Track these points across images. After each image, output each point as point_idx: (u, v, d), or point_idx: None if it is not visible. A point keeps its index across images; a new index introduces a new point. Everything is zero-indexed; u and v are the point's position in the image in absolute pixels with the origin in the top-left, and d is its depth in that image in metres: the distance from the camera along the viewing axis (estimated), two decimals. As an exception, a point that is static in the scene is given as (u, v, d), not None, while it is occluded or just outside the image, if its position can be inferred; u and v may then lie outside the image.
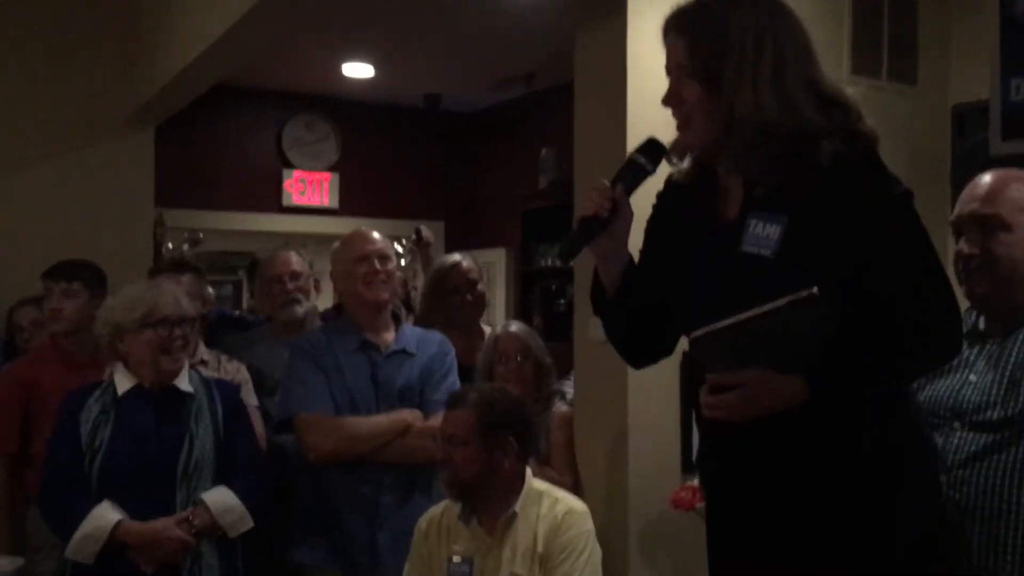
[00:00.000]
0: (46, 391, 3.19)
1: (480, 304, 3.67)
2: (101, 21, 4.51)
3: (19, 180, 4.34)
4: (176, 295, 2.68)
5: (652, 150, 1.66)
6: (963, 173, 2.74)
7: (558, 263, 5.85)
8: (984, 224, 1.77)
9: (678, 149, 1.67)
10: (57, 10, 4.44)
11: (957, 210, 1.83)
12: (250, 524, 2.56)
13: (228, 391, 2.76)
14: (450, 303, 3.59)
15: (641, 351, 1.82)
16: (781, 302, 1.37)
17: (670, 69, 1.61)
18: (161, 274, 3.31)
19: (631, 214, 1.66)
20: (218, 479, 2.57)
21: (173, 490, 2.50)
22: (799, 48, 1.55)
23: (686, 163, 1.68)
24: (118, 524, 2.44)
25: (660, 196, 1.77)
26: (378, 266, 2.82)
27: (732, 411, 1.47)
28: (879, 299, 1.46)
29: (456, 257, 3.73)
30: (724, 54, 1.52)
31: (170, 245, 4.72)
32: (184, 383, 2.63)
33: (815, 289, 1.36)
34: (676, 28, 1.59)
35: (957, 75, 3.30)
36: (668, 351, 1.81)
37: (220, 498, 2.52)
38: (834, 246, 1.47)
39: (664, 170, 1.74)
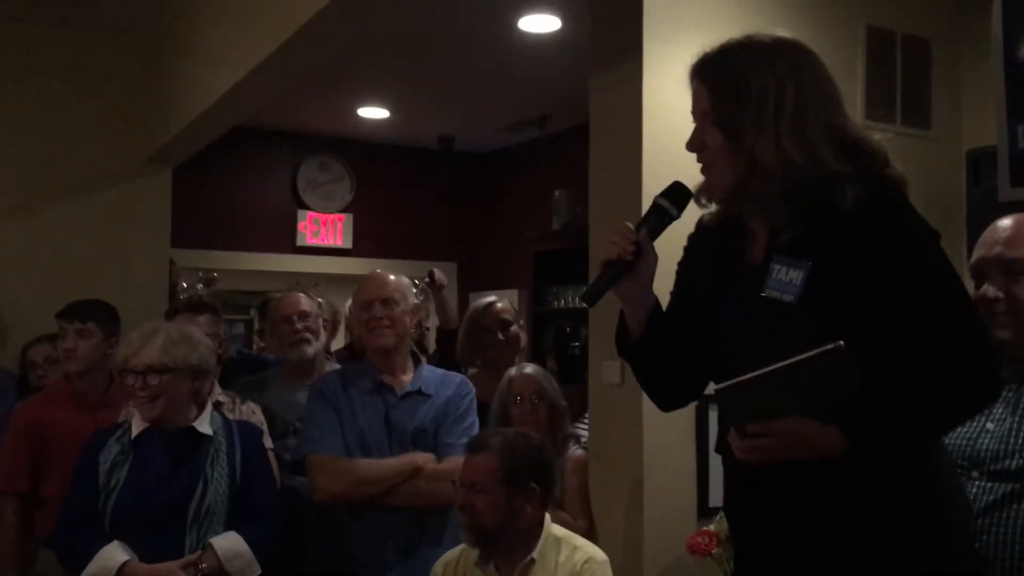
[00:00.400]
0: (58, 431, 3.19)
1: (513, 345, 3.68)
2: (121, 64, 4.58)
3: (37, 219, 4.38)
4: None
5: (677, 194, 1.67)
6: (979, 218, 2.74)
7: (571, 305, 5.86)
8: (1009, 268, 1.76)
9: (704, 192, 1.67)
10: (78, 53, 4.50)
11: (979, 253, 1.82)
12: (257, 572, 2.52)
13: (249, 435, 2.72)
14: (483, 343, 3.64)
15: (670, 394, 1.81)
16: (809, 354, 1.37)
17: (695, 115, 1.62)
18: (178, 314, 3.31)
19: (655, 258, 1.65)
20: (230, 524, 2.53)
21: (184, 534, 2.48)
22: (823, 96, 1.55)
23: (714, 206, 1.69)
24: (124, 565, 2.42)
25: (691, 238, 1.77)
26: (379, 312, 2.82)
27: (766, 456, 1.46)
28: (911, 345, 1.44)
29: (491, 298, 3.79)
30: (745, 105, 1.53)
31: (184, 284, 4.73)
32: (204, 425, 2.61)
33: (841, 342, 1.35)
34: (700, 76, 1.61)
35: (971, 120, 3.30)
36: (698, 394, 1.80)
37: (229, 544, 2.49)
38: (858, 292, 1.46)
39: (694, 211, 1.73)
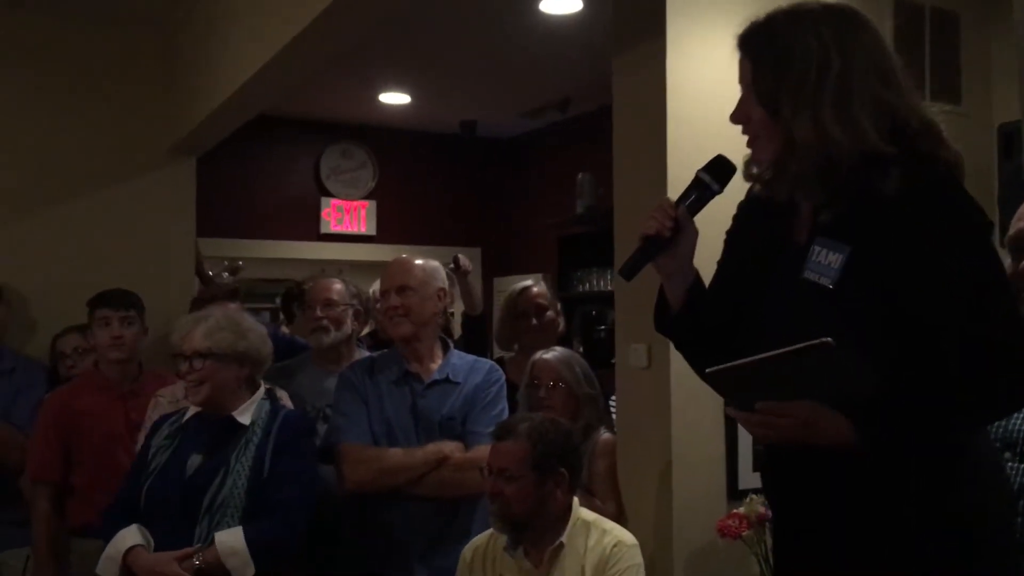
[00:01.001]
0: (87, 420, 3.22)
1: (548, 329, 3.69)
2: (143, 54, 4.58)
3: (62, 210, 4.39)
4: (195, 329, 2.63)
5: (720, 169, 1.63)
6: (1011, 192, 2.70)
7: (596, 288, 5.83)
8: None
9: (751, 166, 1.64)
10: (100, 43, 4.51)
11: (1018, 227, 1.79)
12: (251, 572, 2.40)
13: (291, 427, 2.64)
14: (519, 328, 3.65)
15: (714, 363, 1.77)
16: (794, 347, 1.34)
17: (741, 86, 1.59)
18: (208, 303, 3.32)
19: (696, 233, 1.62)
20: (248, 518, 2.48)
21: (196, 523, 2.46)
22: (872, 67, 1.49)
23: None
24: (130, 550, 2.43)
25: (741, 207, 1.73)
26: (395, 301, 2.80)
27: (773, 435, 1.45)
28: (946, 339, 1.40)
29: (528, 282, 3.82)
30: (784, 77, 1.49)
31: (210, 272, 4.76)
32: (244, 415, 2.60)
33: (829, 339, 1.31)
34: (744, 47, 1.57)
35: (1001, 94, 3.25)
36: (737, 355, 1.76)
37: (229, 539, 2.42)
38: (897, 280, 1.42)
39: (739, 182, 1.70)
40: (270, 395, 2.72)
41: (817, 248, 1.49)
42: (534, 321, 3.67)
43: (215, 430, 2.58)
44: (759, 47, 1.54)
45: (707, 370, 1.46)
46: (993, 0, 3.38)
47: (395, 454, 2.70)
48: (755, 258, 1.61)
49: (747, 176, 1.65)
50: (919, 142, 1.47)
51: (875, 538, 1.48)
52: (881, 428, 1.40)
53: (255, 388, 2.69)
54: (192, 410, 2.65)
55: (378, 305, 2.90)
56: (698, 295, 1.65)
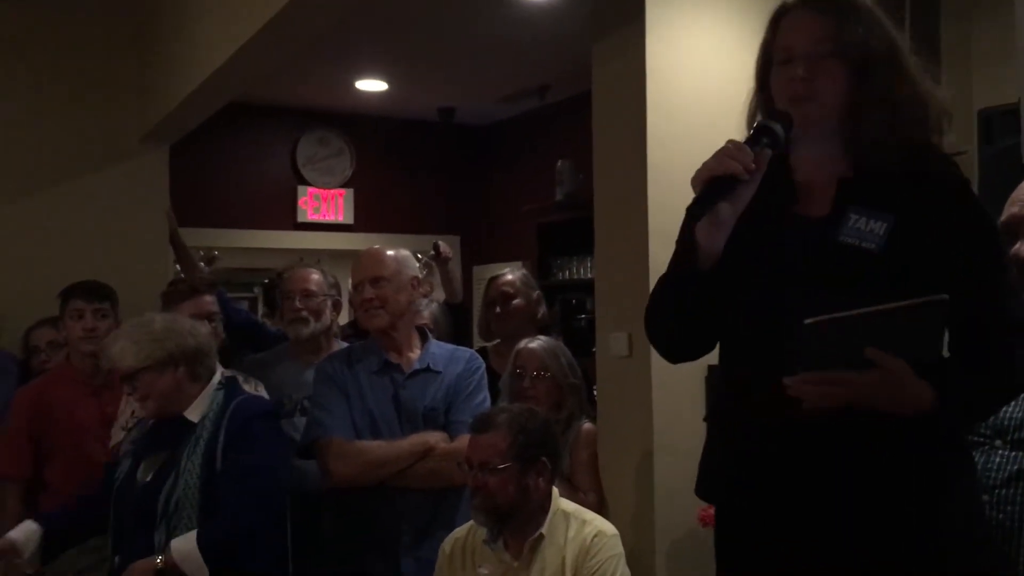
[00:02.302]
0: (61, 414, 3.18)
1: (516, 317, 3.64)
2: (115, 41, 4.51)
3: (33, 200, 4.32)
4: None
5: (786, 122, 1.55)
6: (991, 177, 2.69)
7: (576, 276, 5.81)
8: None
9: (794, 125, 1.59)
10: (72, 30, 4.43)
11: (1012, 211, 1.79)
12: (206, 574, 2.33)
13: (241, 416, 2.52)
14: (489, 318, 3.68)
15: (689, 345, 1.72)
16: (914, 302, 1.33)
17: (792, 49, 1.55)
18: (187, 296, 3.23)
19: (759, 181, 1.52)
20: (203, 517, 2.39)
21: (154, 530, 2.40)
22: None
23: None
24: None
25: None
26: (369, 293, 2.76)
27: (847, 395, 1.39)
28: (980, 318, 1.46)
29: (503, 271, 3.82)
30: (875, 39, 1.52)
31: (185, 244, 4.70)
32: (195, 412, 2.52)
33: (945, 296, 1.33)
34: (817, 8, 1.55)
35: (981, 78, 3.24)
36: (709, 348, 1.72)
37: (182, 545, 2.34)
38: (939, 256, 1.46)
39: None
40: (229, 383, 2.63)
41: (854, 216, 1.49)
42: (498, 309, 3.65)
43: (169, 432, 2.53)
44: (845, 8, 1.54)
45: (806, 321, 1.37)
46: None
47: (380, 446, 2.67)
48: (747, 238, 1.55)
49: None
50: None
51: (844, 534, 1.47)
52: (956, 395, 1.43)
53: (208, 379, 2.59)
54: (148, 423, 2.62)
55: (354, 298, 2.84)
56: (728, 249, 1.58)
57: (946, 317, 1.39)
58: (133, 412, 2.93)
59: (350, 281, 2.89)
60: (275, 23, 3.03)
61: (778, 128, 1.53)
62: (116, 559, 2.50)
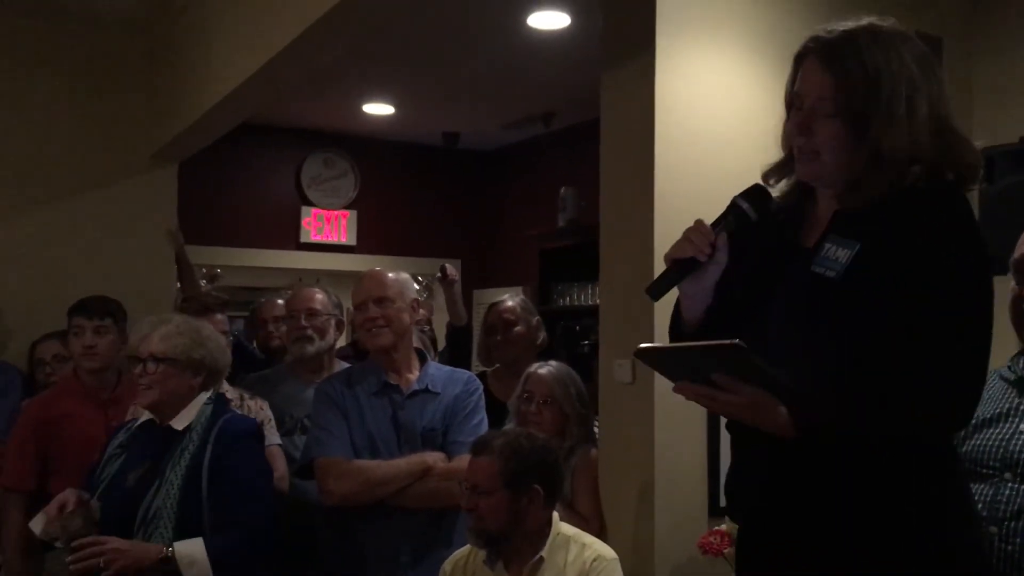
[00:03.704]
0: (67, 428, 3.19)
1: (517, 344, 3.65)
2: (128, 60, 4.55)
3: (43, 215, 4.35)
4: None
5: (758, 197, 1.62)
6: (993, 216, 2.73)
7: (577, 303, 5.85)
8: None
9: (778, 172, 1.65)
10: (85, 48, 4.48)
11: (1021, 251, 1.80)
12: None
13: (230, 434, 2.51)
14: (490, 344, 3.68)
15: None
16: (707, 343, 1.41)
17: (806, 98, 1.55)
18: (199, 315, 3.25)
19: (726, 260, 1.60)
20: (179, 528, 2.38)
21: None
22: (943, 93, 1.52)
23: (782, 185, 1.66)
24: None
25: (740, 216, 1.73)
26: (374, 312, 2.79)
27: (719, 408, 1.48)
28: (909, 350, 1.42)
29: (502, 297, 3.82)
30: (876, 97, 1.48)
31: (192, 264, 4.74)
32: (181, 421, 2.52)
33: (738, 340, 1.34)
34: (822, 60, 1.53)
35: (983, 118, 3.29)
36: None
37: (187, 549, 2.35)
38: (898, 286, 1.44)
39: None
40: (218, 401, 2.64)
41: (829, 245, 1.51)
42: (499, 337, 3.66)
43: (156, 439, 2.54)
44: (844, 62, 1.51)
45: (639, 346, 1.50)
46: (977, 23, 3.42)
47: (379, 466, 2.68)
48: (761, 262, 1.61)
49: (767, 180, 1.67)
50: (963, 176, 1.51)
51: (840, 552, 1.49)
52: (812, 415, 1.43)
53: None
54: (143, 417, 2.61)
55: (358, 317, 2.86)
56: (715, 315, 1.65)
57: (751, 357, 1.37)
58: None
59: (351, 302, 2.93)
60: (290, 50, 3.08)
61: (746, 206, 1.60)
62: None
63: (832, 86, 1.51)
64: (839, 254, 1.49)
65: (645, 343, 1.52)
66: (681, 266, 1.59)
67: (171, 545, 2.35)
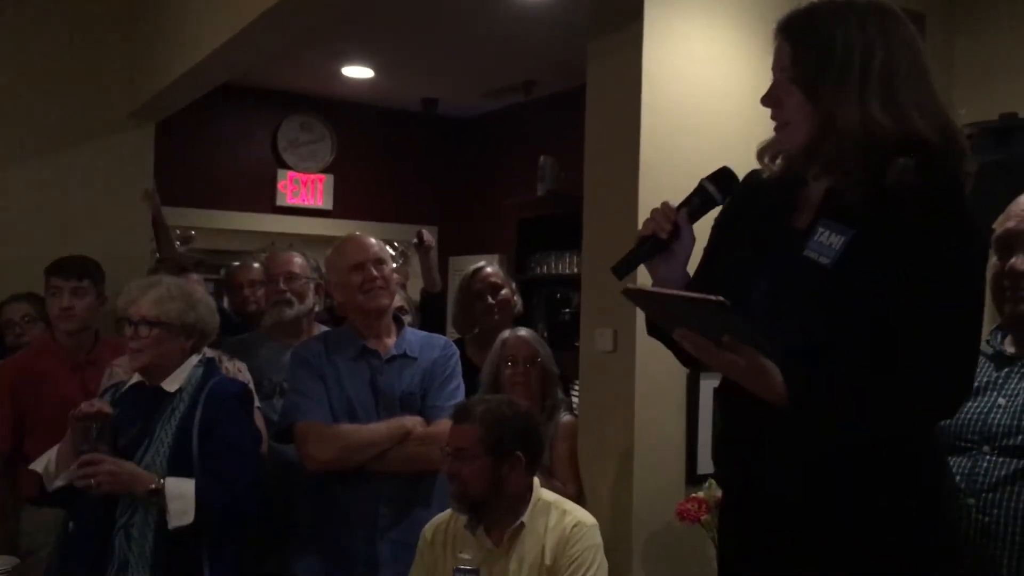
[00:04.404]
0: (43, 388, 3.17)
1: (505, 308, 3.69)
2: (107, 16, 4.45)
3: (16, 172, 4.26)
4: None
5: (724, 179, 1.65)
6: (972, 193, 2.76)
7: (555, 271, 5.85)
8: None
9: (770, 150, 1.66)
10: (63, 5, 4.37)
11: (1008, 226, 1.81)
12: (188, 520, 2.37)
13: (218, 397, 2.54)
14: (475, 309, 3.66)
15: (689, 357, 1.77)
16: (695, 295, 1.43)
17: (774, 71, 1.60)
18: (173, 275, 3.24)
19: (693, 240, 1.64)
20: None
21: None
22: (913, 65, 1.52)
23: (776, 163, 1.67)
24: None
25: (737, 192, 1.73)
26: (375, 272, 2.79)
27: (714, 362, 1.47)
28: (904, 336, 1.44)
29: (480, 263, 3.84)
30: (827, 64, 1.51)
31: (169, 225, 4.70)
32: (172, 383, 2.54)
33: (723, 298, 1.36)
34: (784, 32, 1.58)
35: (964, 95, 3.31)
36: None
37: (178, 484, 2.39)
38: (889, 272, 1.45)
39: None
40: (209, 364, 2.66)
41: (822, 229, 1.52)
42: (490, 300, 3.68)
43: (146, 400, 2.55)
44: (801, 32, 1.55)
45: (627, 286, 1.53)
46: (957, 2, 3.44)
47: (359, 431, 2.69)
48: (751, 244, 1.63)
49: (762, 158, 1.67)
50: (946, 152, 1.50)
51: (825, 531, 1.52)
52: (807, 387, 1.44)
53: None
54: (134, 379, 2.61)
55: (354, 279, 2.83)
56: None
57: (735, 318, 1.39)
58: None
59: (336, 265, 2.90)
60: (274, 11, 3.03)
61: (712, 188, 1.64)
62: (70, 524, 2.55)
63: (789, 55, 1.55)
64: (832, 240, 1.50)
65: (631, 285, 1.56)
66: (645, 245, 1.62)
67: (163, 478, 2.38)
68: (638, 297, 1.56)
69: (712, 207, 1.66)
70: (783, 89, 1.57)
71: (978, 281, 1.50)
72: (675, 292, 1.50)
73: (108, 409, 2.45)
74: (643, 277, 1.78)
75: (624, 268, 1.64)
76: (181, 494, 2.38)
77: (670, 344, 1.72)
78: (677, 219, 1.61)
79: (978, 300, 1.49)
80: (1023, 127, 3.03)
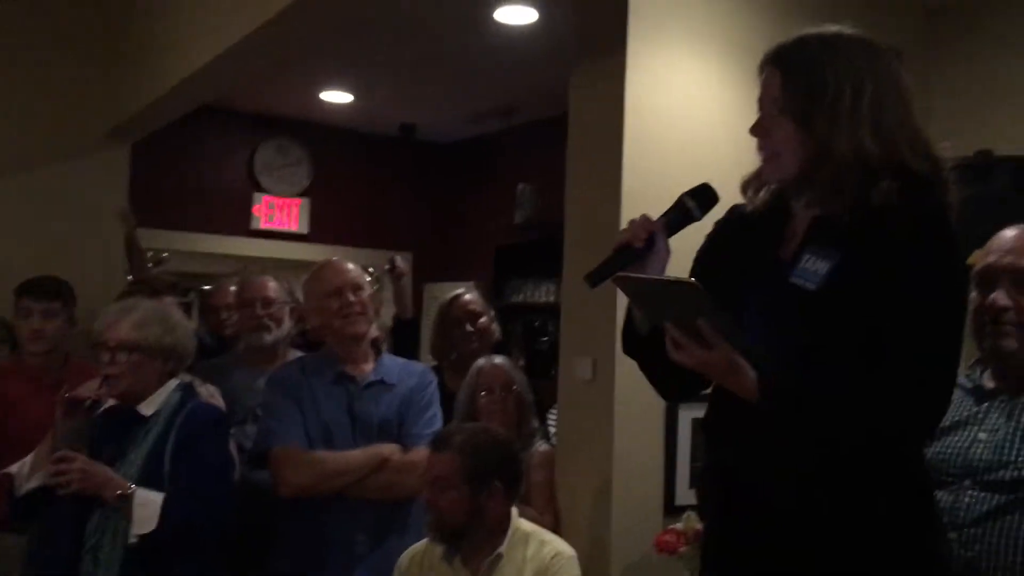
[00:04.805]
0: (12, 409, 3.11)
1: (485, 335, 3.67)
2: (85, 33, 4.43)
3: (-8, 189, 4.22)
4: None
5: (703, 196, 1.65)
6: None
7: (532, 299, 5.86)
8: (1019, 278, 1.77)
9: (755, 182, 1.67)
10: (42, 20, 4.34)
11: (987, 260, 1.82)
12: (150, 528, 2.32)
13: (194, 422, 2.51)
14: (454, 336, 3.64)
15: (677, 388, 1.78)
16: (670, 277, 1.49)
17: (763, 102, 1.61)
18: (149, 297, 3.20)
19: (668, 253, 1.63)
20: None
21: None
22: (899, 99, 1.55)
23: (755, 198, 1.68)
24: None
25: (720, 225, 1.75)
26: (352, 298, 2.77)
27: (689, 358, 1.48)
28: (884, 352, 1.45)
29: (459, 290, 3.81)
30: (820, 95, 1.53)
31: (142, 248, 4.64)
32: (149, 407, 2.51)
33: (693, 280, 1.42)
34: (774, 62, 1.60)
35: (940, 132, 3.34)
36: (705, 386, 1.74)
37: (147, 494, 2.36)
38: (873, 296, 1.46)
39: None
40: (186, 389, 2.63)
41: (807, 256, 1.54)
42: (469, 327, 3.66)
43: (120, 423, 2.51)
44: (792, 63, 1.57)
45: (617, 274, 1.54)
46: (935, 33, 3.50)
47: (337, 457, 2.66)
48: (735, 275, 1.63)
49: (746, 191, 1.68)
50: (935, 176, 1.53)
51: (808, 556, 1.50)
52: (780, 389, 1.45)
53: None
54: (109, 402, 2.56)
55: (332, 304, 2.81)
56: None
57: (708, 302, 1.41)
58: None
59: (314, 290, 2.88)
60: (255, 35, 3.03)
61: (691, 204, 1.64)
62: (30, 551, 2.53)
63: (779, 85, 1.57)
64: (818, 266, 1.51)
65: (621, 272, 1.55)
66: (620, 253, 1.62)
67: (133, 486, 2.35)
68: (626, 284, 1.55)
69: (690, 222, 1.66)
70: (773, 119, 1.58)
71: (960, 301, 1.52)
72: (654, 277, 1.53)
73: (102, 394, 2.44)
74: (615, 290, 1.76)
75: (597, 277, 1.62)
76: (147, 502, 2.35)
77: (647, 369, 1.74)
78: (654, 230, 1.61)
79: (959, 318, 1.51)
80: (998, 164, 3.08)
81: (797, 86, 1.55)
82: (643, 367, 1.76)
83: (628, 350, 1.75)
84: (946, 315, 1.48)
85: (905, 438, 1.53)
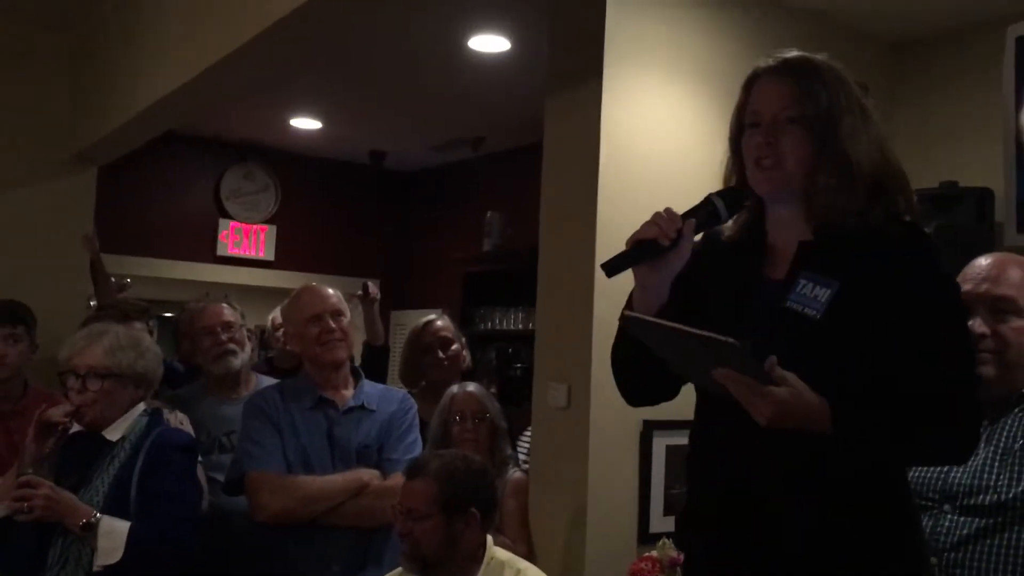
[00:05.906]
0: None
1: (455, 363, 3.65)
2: (48, 56, 4.39)
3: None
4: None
5: (733, 199, 1.62)
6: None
7: (500, 327, 5.84)
8: (995, 306, 1.80)
9: (759, 187, 1.64)
10: (9, 46, 4.29)
11: (965, 288, 1.83)
12: (116, 559, 2.28)
13: (161, 447, 2.46)
14: (424, 363, 3.61)
15: (645, 391, 1.75)
16: (705, 333, 1.35)
17: (765, 113, 1.59)
18: (118, 321, 3.14)
19: (688, 254, 1.58)
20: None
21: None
22: (877, 129, 1.59)
23: (731, 222, 1.67)
24: None
25: (696, 250, 1.68)
26: (332, 324, 2.75)
27: (765, 411, 1.40)
28: (918, 379, 1.46)
29: (431, 316, 3.79)
30: (837, 106, 1.54)
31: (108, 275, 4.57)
32: (115, 432, 2.47)
33: (736, 341, 1.33)
34: (783, 73, 1.59)
35: (905, 164, 3.40)
36: (669, 397, 1.74)
37: (112, 523, 2.31)
38: (881, 323, 1.47)
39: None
40: (154, 414, 2.59)
41: (803, 281, 1.53)
42: (440, 354, 3.64)
43: (85, 448, 2.46)
44: (805, 76, 1.57)
45: (626, 313, 1.50)
46: (900, 66, 3.57)
47: (315, 482, 2.62)
48: (718, 297, 1.62)
49: (743, 204, 1.67)
50: (910, 205, 1.56)
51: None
52: (854, 422, 1.42)
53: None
54: (74, 428, 2.50)
55: (311, 330, 2.78)
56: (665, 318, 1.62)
57: (749, 360, 1.36)
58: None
59: (294, 316, 2.85)
60: (223, 62, 3.02)
61: (719, 203, 1.60)
62: None
63: (791, 95, 1.56)
64: (817, 292, 1.50)
65: (631, 312, 1.50)
66: (642, 248, 1.55)
67: (98, 515, 2.30)
68: (637, 324, 1.48)
69: (716, 223, 1.61)
70: (781, 127, 1.57)
71: (963, 314, 1.57)
72: (684, 328, 1.39)
73: (71, 416, 2.40)
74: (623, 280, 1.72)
75: (615, 267, 1.55)
76: (112, 532, 2.30)
77: (627, 370, 1.70)
78: (684, 230, 1.55)
79: (968, 332, 1.57)
80: (964, 195, 3.14)
81: (815, 95, 1.55)
82: (624, 361, 1.70)
83: (619, 354, 1.71)
84: (967, 337, 1.54)
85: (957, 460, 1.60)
